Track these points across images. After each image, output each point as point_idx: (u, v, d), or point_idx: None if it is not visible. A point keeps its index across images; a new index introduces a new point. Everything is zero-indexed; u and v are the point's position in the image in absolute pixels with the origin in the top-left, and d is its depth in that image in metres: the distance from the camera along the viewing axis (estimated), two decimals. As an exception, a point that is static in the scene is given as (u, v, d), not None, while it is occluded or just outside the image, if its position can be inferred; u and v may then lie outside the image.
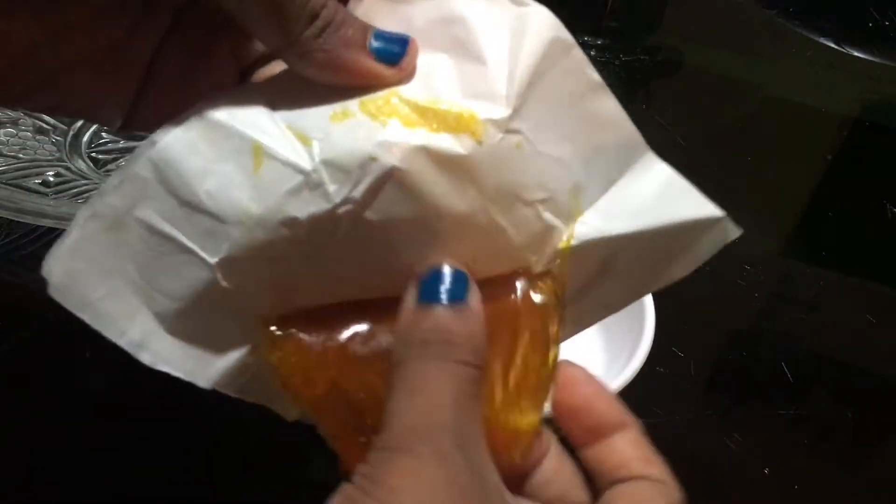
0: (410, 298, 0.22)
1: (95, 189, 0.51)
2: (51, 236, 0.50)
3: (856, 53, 0.76)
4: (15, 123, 0.55)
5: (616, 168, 0.24)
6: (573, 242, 0.24)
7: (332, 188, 0.21)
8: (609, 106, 0.24)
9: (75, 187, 0.52)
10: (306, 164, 0.21)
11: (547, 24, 0.22)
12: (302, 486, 0.39)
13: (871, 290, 0.53)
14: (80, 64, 0.22)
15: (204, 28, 0.24)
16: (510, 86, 0.22)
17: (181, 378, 0.24)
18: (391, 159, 0.21)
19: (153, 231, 0.22)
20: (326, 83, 0.22)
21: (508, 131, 0.22)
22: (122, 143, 0.57)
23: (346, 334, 0.23)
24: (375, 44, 0.22)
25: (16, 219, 0.46)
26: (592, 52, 0.75)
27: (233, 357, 0.24)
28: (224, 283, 0.22)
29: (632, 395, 0.35)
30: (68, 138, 0.56)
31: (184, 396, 0.41)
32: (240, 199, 0.22)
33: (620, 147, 0.24)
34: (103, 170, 0.54)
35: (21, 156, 0.53)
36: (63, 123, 0.56)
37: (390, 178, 0.21)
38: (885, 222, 0.58)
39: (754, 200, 0.58)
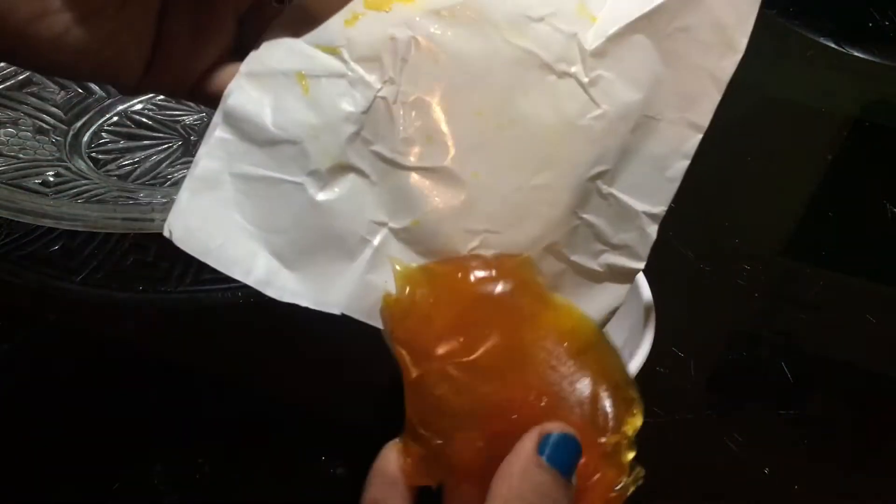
0: (530, 443, 0.22)
1: (95, 189, 0.51)
2: (51, 236, 0.50)
3: (856, 53, 0.76)
4: (15, 123, 0.55)
5: None
6: (597, 43, 0.25)
7: (370, 78, 0.25)
8: None
9: (75, 187, 0.51)
10: (343, 69, 0.25)
11: None
12: (305, 493, 0.39)
13: (871, 290, 0.53)
14: (102, 7, 0.24)
15: None
16: None
17: (311, 308, 0.25)
18: (407, 32, 0.25)
19: (248, 179, 0.26)
20: None
21: None
22: (121, 144, 0.57)
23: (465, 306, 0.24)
24: None
25: (16, 219, 0.46)
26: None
27: (354, 276, 0.25)
28: (320, 197, 0.25)
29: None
30: (68, 138, 0.56)
31: (185, 397, 0.41)
32: (303, 119, 0.25)
33: None
34: (103, 170, 0.54)
35: (21, 156, 0.53)
36: (63, 123, 0.56)
37: (413, 48, 0.25)
38: (885, 222, 0.58)
39: (754, 200, 0.58)
